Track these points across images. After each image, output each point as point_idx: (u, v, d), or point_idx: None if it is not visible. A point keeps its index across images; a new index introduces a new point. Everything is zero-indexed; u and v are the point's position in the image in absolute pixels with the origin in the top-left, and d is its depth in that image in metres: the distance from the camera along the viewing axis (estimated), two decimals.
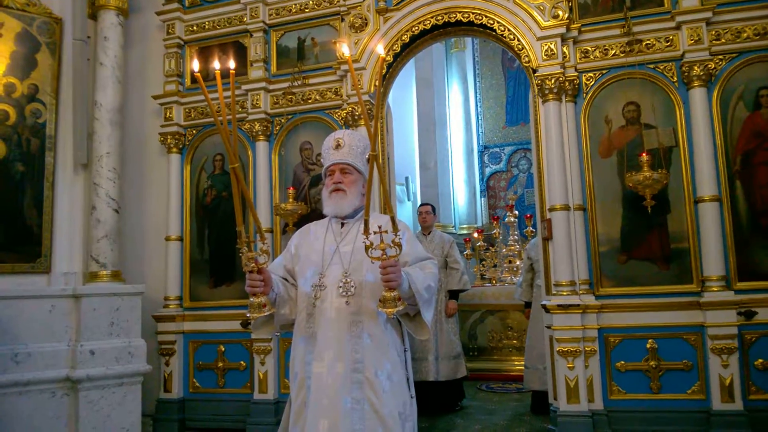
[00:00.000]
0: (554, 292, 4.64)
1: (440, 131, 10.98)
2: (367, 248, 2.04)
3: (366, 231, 2.03)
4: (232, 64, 2.18)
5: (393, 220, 2.03)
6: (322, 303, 2.33)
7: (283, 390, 5.21)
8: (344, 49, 2.08)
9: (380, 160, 5.27)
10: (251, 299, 2.16)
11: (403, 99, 10.33)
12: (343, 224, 2.50)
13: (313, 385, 2.27)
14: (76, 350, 4.87)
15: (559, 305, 4.53)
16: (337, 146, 2.48)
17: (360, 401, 2.22)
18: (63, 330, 4.94)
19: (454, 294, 5.99)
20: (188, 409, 5.58)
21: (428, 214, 6.21)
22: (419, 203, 9.93)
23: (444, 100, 11.25)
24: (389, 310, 2.08)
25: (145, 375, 5.16)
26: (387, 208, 2.07)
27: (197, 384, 5.60)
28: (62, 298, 4.96)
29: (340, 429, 2.19)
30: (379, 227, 2.04)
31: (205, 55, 5.90)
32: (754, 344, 4.33)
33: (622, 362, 4.52)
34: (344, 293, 2.30)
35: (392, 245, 2.04)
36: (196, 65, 2.16)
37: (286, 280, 2.50)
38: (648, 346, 4.48)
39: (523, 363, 6.67)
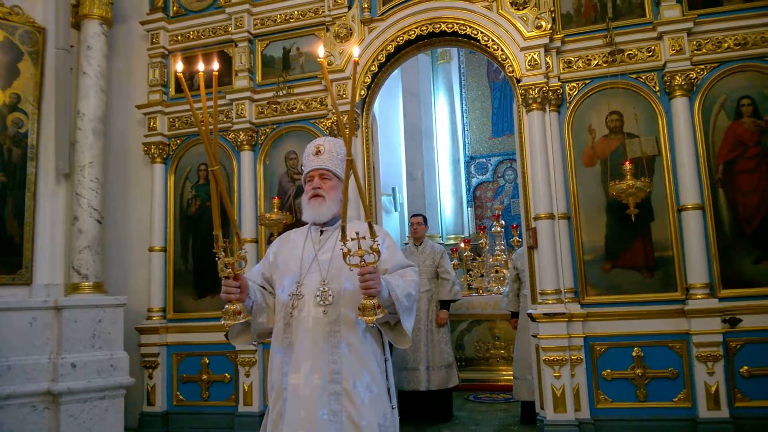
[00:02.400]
0: (540, 300, 4.64)
1: (427, 142, 10.99)
2: (344, 255, 2.00)
3: (343, 238, 1.99)
4: (216, 65, 2.17)
5: (371, 226, 2.00)
6: (299, 312, 2.28)
7: (268, 403, 5.15)
8: (319, 51, 2.03)
9: (366, 167, 5.27)
10: (226, 306, 2.10)
11: (390, 110, 10.35)
12: (322, 232, 2.46)
13: (289, 396, 2.22)
14: (57, 363, 4.80)
15: (544, 314, 4.52)
16: (317, 152, 2.45)
17: (337, 413, 2.17)
18: (44, 342, 4.87)
19: (445, 304, 5.97)
20: (172, 422, 5.50)
21: (419, 225, 6.19)
22: (406, 214, 9.96)
23: (430, 112, 11.28)
24: (368, 318, 2.03)
25: (128, 388, 5.10)
26: (365, 213, 2.04)
27: (181, 397, 5.53)
28: (43, 310, 4.90)
29: None
30: (357, 233, 2.01)
31: (189, 64, 5.87)
32: (738, 351, 4.34)
33: (609, 371, 4.52)
34: (322, 302, 2.25)
35: (370, 251, 2.01)
36: (180, 66, 2.15)
37: (264, 288, 2.46)
38: (634, 354, 4.48)
39: (510, 373, 6.66)
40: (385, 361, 2.37)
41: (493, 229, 9.33)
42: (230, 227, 2.09)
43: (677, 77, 4.55)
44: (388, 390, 2.33)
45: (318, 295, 2.27)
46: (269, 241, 5.36)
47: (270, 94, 5.51)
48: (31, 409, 4.73)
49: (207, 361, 5.46)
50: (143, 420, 5.50)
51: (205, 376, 5.46)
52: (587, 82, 4.81)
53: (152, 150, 5.83)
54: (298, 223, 5.14)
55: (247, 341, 2.43)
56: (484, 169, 11.56)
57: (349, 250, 2.00)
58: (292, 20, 5.63)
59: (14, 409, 4.66)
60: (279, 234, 5.09)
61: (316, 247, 2.41)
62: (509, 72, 4.90)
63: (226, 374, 5.40)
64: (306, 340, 2.24)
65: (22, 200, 5.08)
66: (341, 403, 2.18)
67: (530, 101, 4.77)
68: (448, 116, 11.38)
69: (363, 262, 2.01)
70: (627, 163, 4.39)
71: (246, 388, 5.23)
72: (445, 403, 5.94)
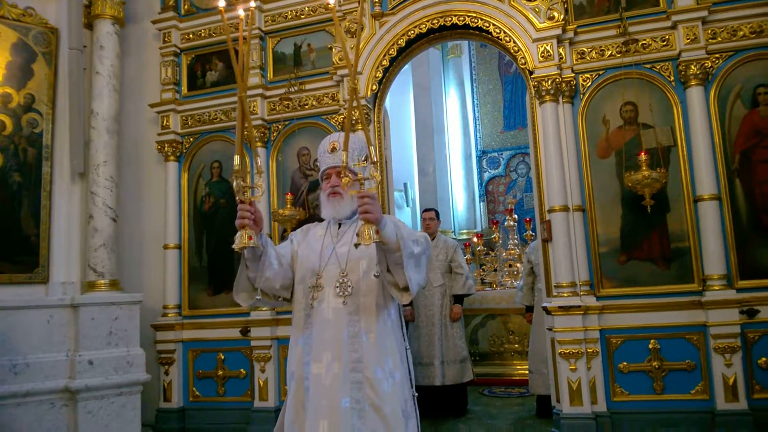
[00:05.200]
0: (555, 293, 4.61)
1: (438, 137, 10.97)
2: (343, 185, 2.03)
3: (343, 171, 2.00)
4: None
5: (369, 142, 2.02)
6: (319, 304, 2.31)
7: (284, 397, 5.15)
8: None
9: (378, 162, 5.26)
10: (239, 232, 2.08)
11: (401, 105, 10.33)
12: (340, 225, 2.48)
13: (311, 386, 2.26)
14: (74, 360, 4.85)
15: (560, 307, 4.50)
16: (333, 149, 2.47)
17: (360, 401, 2.20)
18: (61, 340, 4.91)
19: (458, 298, 5.97)
20: (188, 418, 5.54)
21: (432, 221, 6.17)
22: (418, 209, 9.95)
23: (441, 106, 11.25)
24: (366, 241, 1.93)
25: (145, 384, 5.13)
26: (368, 146, 2.04)
27: (197, 392, 5.56)
28: (60, 308, 4.94)
29: (341, 430, 2.16)
30: (355, 153, 2.07)
31: (201, 62, 5.91)
32: (757, 343, 4.30)
33: (625, 363, 4.49)
34: (341, 293, 2.29)
35: (370, 177, 1.97)
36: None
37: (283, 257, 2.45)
38: (650, 346, 4.45)
39: (525, 367, 6.64)
40: (406, 349, 2.40)
41: (506, 223, 9.30)
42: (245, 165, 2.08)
43: (692, 66, 4.50)
44: (409, 378, 2.35)
45: (337, 286, 2.30)
46: (282, 237, 5.38)
47: (281, 91, 5.52)
48: (50, 406, 4.78)
49: (222, 357, 5.49)
50: (160, 416, 5.54)
51: (220, 372, 5.49)
52: (601, 72, 4.76)
53: (166, 148, 5.86)
54: (311, 218, 5.16)
55: (250, 298, 2.37)
56: (496, 164, 11.52)
57: (349, 179, 2.00)
58: (302, 16, 5.62)
59: (33, 407, 4.71)
60: (293, 229, 5.12)
61: (334, 240, 2.44)
62: (522, 64, 4.87)
63: (242, 370, 5.43)
64: (326, 330, 2.27)
65: (37, 200, 5.13)
66: (363, 392, 2.21)
67: (543, 93, 4.74)
68: (459, 111, 11.35)
69: (362, 187, 1.97)
70: (642, 153, 4.35)
71: (261, 383, 5.25)
72: (460, 398, 5.94)
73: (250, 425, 5.22)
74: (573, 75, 4.78)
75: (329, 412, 2.19)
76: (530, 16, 4.80)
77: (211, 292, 5.63)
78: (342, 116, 5.31)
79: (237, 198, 2.07)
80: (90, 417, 4.83)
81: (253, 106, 5.58)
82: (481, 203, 11.44)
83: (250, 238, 2.08)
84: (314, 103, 5.49)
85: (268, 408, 5.20)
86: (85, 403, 4.82)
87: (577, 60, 4.80)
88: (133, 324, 5.14)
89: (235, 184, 2.05)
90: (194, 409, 5.55)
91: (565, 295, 4.54)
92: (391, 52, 5.22)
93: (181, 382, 5.58)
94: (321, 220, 2.61)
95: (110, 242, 5.24)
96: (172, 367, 5.54)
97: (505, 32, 4.89)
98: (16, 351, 4.72)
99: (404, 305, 2.36)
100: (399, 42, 5.20)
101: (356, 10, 5.35)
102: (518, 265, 8.49)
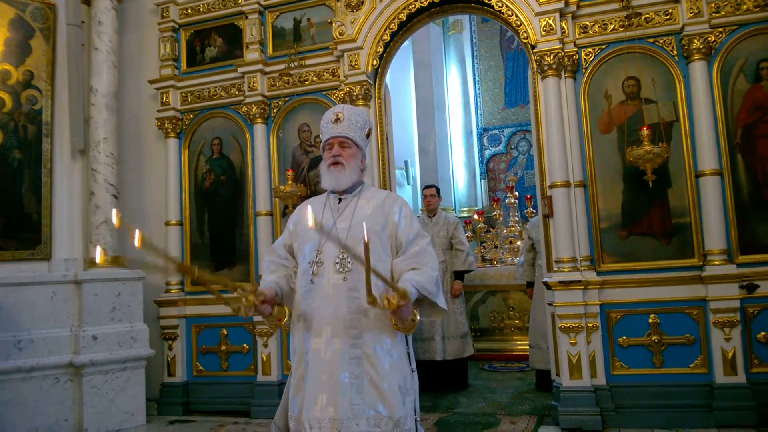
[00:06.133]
0: (555, 269, 4.63)
1: (439, 114, 10.92)
2: (373, 304, 2.02)
3: (368, 292, 1.94)
4: None
5: (396, 290, 2.04)
6: (319, 279, 2.31)
7: (286, 372, 5.22)
8: None
9: (380, 138, 5.24)
10: (267, 320, 2.31)
11: (402, 82, 10.27)
12: (340, 200, 2.48)
13: (311, 360, 2.27)
14: (78, 336, 4.90)
15: (560, 282, 4.52)
16: (337, 120, 2.46)
17: (359, 376, 2.22)
18: (65, 316, 4.96)
19: (459, 275, 6.00)
20: (192, 392, 5.59)
21: (433, 197, 6.19)
22: (419, 187, 9.94)
23: (442, 83, 11.18)
24: (409, 330, 2.25)
25: (149, 359, 5.20)
26: (389, 285, 2.08)
27: (201, 367, 5.61)
28: (63, 285, 4.98)
29: (339, 403, 2.18)
30: (386, 298, 2.01)
31: (200, 38, 5.87)
32: (756, 317, 4.32)
33: (624, 337, 4.52)
34: (341, 269, 2.29)
35: (401, 294, 2.04)
36: None
37: (287, 260, 2.51)
38: (650, 321, 4.47)
39: (525, 342, 6.71)
40: None
41: (506, 200, 9.31)
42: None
43: (695, 41, 4.46)
44: (408, 354, 2.36)
45: (337, 263, 2.30)
46: (284, 214, 5.38)
47: (281, 67, 5.48)
48: (54, 381, 4.84)
49: (225, 332, 5.53)
50: (164, 390, 5.60)
51: (224, 347, 5.53)
52: (603, 47, 4.72)
53: (165, 125, 5.84)
54: (313, 195, 5.14)
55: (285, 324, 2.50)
56: (497, 141, 11.49)
57: (375, 300, 2.00)
58: None
59: (38, 381, 4.77)
60: (294, 206, 5.13)
61: (334, 215, 2.43)
62: (524, 38, 4.83)
63: (245, 345, 5.47)
64: (326, 306, 2.28)
65: (38, 177, 5.14)
66: (362, 367, 2.22)
67: (545, 68, 4.70)
68: (460, 88, 11.28)
69: (393, 305, 2.04)
70: (644, 128, 4.32)
71: (264, 358, 5.30)
72: (461, 372, 6.01)
73: (254, 399, 5.28)
74: (575, 49, 4.74)
75: (328, 386, 2.21)
76: None
77: (214, 269, 5.64)
78: (343, 92, 5.28)
79: (249, 314, 2.17)
80: (95, 391, 4.90)
81: (253, 82, 5.55)
82: (482, 181, 11.43)
83: (279, 319, 2.32)
84: (314, 78, 5.46)
85: (271, 382, 5.26)
86: (90, 377, 4.88)
87: (579, 34, 4.76)
88: (136, 300, 5.19)
89: (241, 310, 2.15)
90: (198, 383, 5.60)
91: (566, 270, 4.55)
92: (392, 26, 5.17)
93: (184, 357, 5.62)
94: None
95: (112, 219, 5.24)
96: (175, 343, 5.59)
97: (507, 6, 4.84)
98: (20, 327, 4.77)
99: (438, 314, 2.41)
100: (400, 16, 5.15)
101: None
102: (519, 242, 8.52)
